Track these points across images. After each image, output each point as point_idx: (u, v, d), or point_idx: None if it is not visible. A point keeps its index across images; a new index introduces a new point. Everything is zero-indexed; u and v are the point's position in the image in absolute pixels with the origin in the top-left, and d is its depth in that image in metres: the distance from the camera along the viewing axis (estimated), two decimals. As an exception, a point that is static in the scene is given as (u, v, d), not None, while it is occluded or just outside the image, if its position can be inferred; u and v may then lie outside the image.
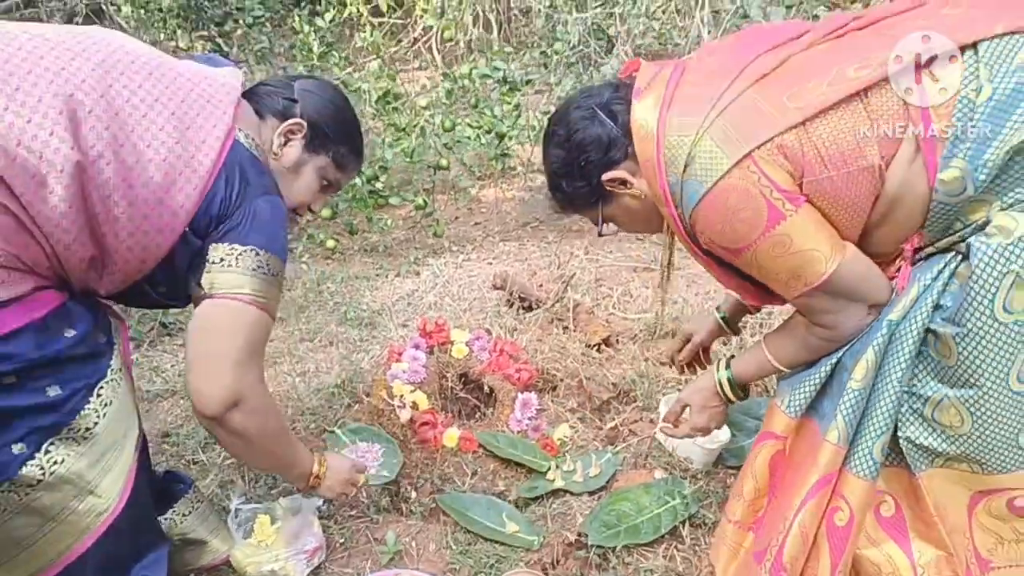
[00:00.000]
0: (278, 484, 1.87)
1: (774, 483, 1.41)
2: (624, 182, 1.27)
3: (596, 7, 3.60)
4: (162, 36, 3.74)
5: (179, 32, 3.97)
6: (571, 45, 3.15)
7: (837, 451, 1.24)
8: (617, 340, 2.57)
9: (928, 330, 1.16)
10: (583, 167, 1.28)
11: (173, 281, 1.26)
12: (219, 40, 3.94)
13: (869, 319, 1.23)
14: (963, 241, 1.11)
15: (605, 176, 1.27)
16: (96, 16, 3.66)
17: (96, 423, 1.18)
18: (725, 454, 1.95)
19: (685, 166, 1.16)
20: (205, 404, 1.23)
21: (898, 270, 1.21)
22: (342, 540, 1.72)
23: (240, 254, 1.22)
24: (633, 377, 2.32)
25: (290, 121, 1.38)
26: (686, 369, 1.78)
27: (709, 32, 2.50)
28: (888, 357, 1.20)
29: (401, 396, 2.05)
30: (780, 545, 1.31)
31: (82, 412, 1.16)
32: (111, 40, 1.20)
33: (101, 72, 1.12)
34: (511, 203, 4.54)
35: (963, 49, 1.07)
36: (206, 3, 3.77)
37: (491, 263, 3.38)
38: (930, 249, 1.18)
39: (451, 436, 2.00)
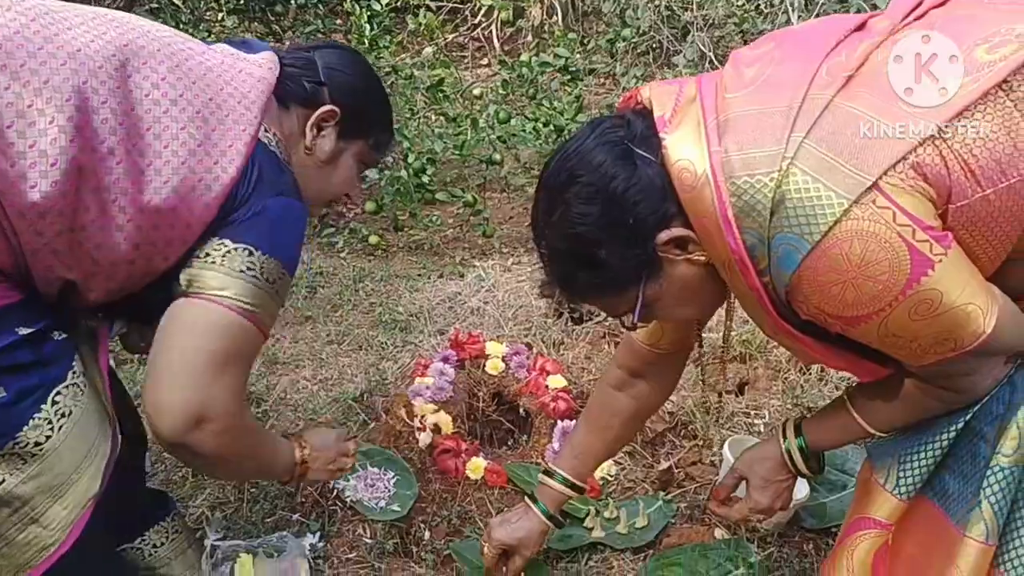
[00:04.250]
0: (273, 513, 1.64)
1: None
2: (685, 244, 0.93)
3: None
4: (210, 17, 3.58)
5: (230, 16, 3.83)
6: (640, 32, 2.84)
7: (986, 551, 0.93)
8: (676, 361, 2.26)
9: None
10: (633, 227, 0.92)
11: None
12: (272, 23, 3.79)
13: (1007, 370, 0.95)
14: None
15: (662, 237, 0.92)
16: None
17: (48, 437, 1.00)
18: (802, 513, 1.64)
19: (771, 214, 0.85)
20: (161, 422, 1.00)
21: None
22: (337, 588, 1.47)
23: (228, 251, 1.04)
24: (692, 408, 2.01)
25: (322, 110, 1.20)
26: None
27: (799, 18, 2.17)
28: None
29: (422, 417, 1.79)
30: None
31: (31, 422, 0.99)
32: (134, 23, 1.07)
33: (122, 58, 1.00)
34: (570, 204, 4.27)
35: None
36: (258, -16, 3.61)
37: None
38: None
39: (476, 467, 1.74)
